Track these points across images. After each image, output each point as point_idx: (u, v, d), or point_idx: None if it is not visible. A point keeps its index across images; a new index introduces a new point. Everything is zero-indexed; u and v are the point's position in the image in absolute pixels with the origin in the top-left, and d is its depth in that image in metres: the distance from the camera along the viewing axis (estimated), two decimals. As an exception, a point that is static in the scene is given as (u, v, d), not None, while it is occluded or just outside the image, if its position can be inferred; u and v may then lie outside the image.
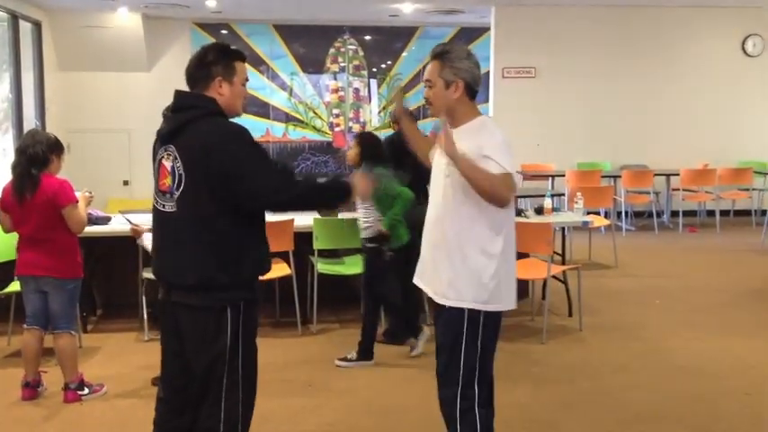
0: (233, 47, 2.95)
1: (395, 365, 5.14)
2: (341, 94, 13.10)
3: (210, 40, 11.46)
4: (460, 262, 2.83)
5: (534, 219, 6.44)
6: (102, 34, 11.26)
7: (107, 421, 4.25)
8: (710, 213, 11.01)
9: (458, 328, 2.85)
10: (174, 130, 2.78)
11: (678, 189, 10.67)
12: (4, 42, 9.96)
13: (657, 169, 10.74)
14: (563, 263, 6.60)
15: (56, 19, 11.03)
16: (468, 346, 2.84)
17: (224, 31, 12.50)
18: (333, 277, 5.90)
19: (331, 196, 3.06)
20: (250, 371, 2.86)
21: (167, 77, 10.62)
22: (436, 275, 2.92)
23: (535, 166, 11.02)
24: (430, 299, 3.03)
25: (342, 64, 13.06)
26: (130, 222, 4.69)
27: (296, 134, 12.89)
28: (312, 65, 12.97)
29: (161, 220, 2.83)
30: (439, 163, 2.96)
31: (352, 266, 5.90)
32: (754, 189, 10.95)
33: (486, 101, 11.49)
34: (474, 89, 2.91)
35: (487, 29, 11.86)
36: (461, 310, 2.83)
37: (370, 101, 13.24)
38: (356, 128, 13.12)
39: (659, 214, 10.95)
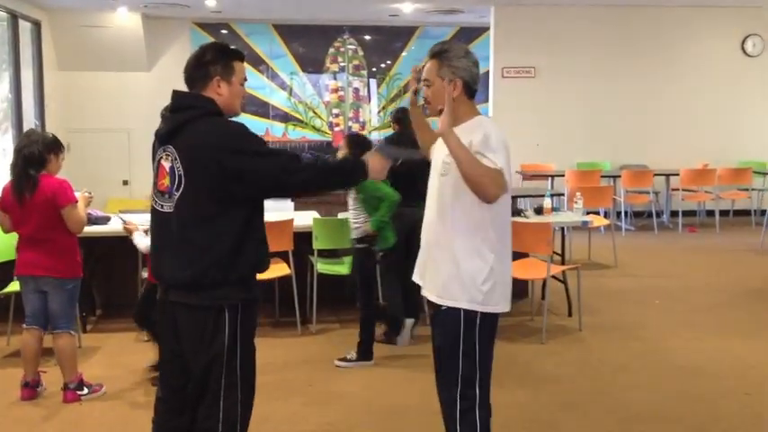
0: (232, 46, 2.94)
1: (395, 365, 5.14)
2: (340, 93, 13.10)
3: (210, 39, 11.45)
4: (455, 262, 2.82)
5: (534, 219, 6.44)
6: (101, 34, 11.26)
7: (106, 421, 4.25)
8: (710, 213, 11.01)
9: (454, 328, 2.84)
10: (172, 131, 2.77)
11: (678, 189, 10.67)
12: (3, 42, 9.96)
13: (657, 169, 10.74)
14: (563, 263, 6.60)
15: (55, 18, 11.03)
16: (465, 346, 2.83)
17: (224, 31, 12.51)
18: (332, 277, 5.89)
19: (345, 175, 3.03)
20: (248, 371, 2.85)
21: (167, 77, 10.61)
22: (432, 276, 2.92)
23: (535, 166, 11.03)
24: (427, 299, 3.02)
25: (341, 64, 13.06)
26: (123, 221, 4.69)
27: (295, 134, 12.90)
28: (312, 64, 12.98)
29: (159, 221, 2.83)
30: (436, 161, 2.95)
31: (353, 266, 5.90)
32: (753, 189, 10.95)
33: (486, 101, 11.49)
34: (473, 88, 2.90)
35: (487, 29, 11.86)
36: (457, 310, 2.82)
37: (369, 101, 13.24)
38: (356, 127, 13.12)
39: (659, 214, 10.96)
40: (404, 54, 13.12)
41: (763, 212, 9.96)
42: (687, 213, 10.96)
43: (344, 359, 5.12)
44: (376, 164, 2.92)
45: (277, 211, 6.14)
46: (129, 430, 4.12)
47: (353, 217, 5.14)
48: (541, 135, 11.37)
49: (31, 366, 4.52)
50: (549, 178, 10.25)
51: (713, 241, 9.79)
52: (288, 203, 8.02)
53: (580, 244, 8.36)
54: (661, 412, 4.33)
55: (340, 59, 13.05)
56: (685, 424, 4.17)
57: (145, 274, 5.30)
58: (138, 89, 11.63)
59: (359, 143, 5.17)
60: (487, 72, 11.35)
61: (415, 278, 3.05)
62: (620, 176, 10.32)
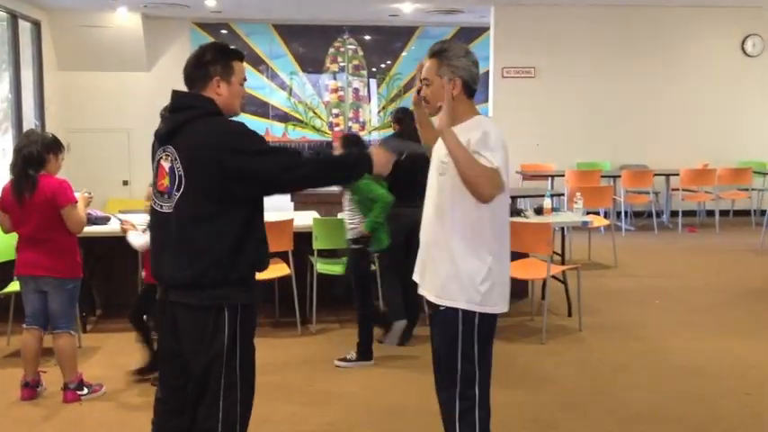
0: (231, 46, 2.94)
1: (394, 366, 5.14)
2: (340, 93, 13.10)
3: (210, 39, 11.46)
4: (454, 262, 2.81)
5: (534, 219, 6.44)
6: (101, 34, 11.26)
7: (106, 421, 4.25)
8: (710, 213, 11.01)
9: (453, 329, 2.83)
10: (171, 131, 2.77)
11: (678, 189, 10.67)
12: (3, 42, 9.96)
13: (657, 169, 10.74)
14: (562, 263, 6.60)
15: (55, 18, 11.03)
16: (464, 347, 2.82)
17: (223, 31, 12.50)
18: (332, 277, 5.89)
19: (347, 169, 2.99)
20: (248, 371, 2.85)
21: (167, 77, 10.61)
22: (431, 275, 2.91)
23: (535, 166, 11.03)
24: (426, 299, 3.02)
25: (341, 64, 13.06)
26: (120, 220, 4.70)
27: (295, 134, 12.89)
28: (311, 64, 12.97)
29: (159, 221, 2.82)
30: (435, 161, 2.95)
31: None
32: (753, 189, 10.95)
33: (486, 101, 11.49)
34: (472, 88, 2.88)
35: (487, 29, 11.86)
36: (456, 310, 2.82)
37: (369, 101, 13.24)
38: (356, 128, 13.12)
39: (659, 214, 10.96)
40: (404, 54, 13.12)
41: (763, 212, 9.97)
42: (687, 213, 10.96)
43: (344, 359, 5.13)
44: (380, 157, 2.90)
45: (277, 210, 6.15)
46: (128, 430, 4.12)
47: (349, 218, 5.15)
48: (541, 135, 11.37)
49: (31, 366, 4.52)
50: (549, 178, 10.25)
51: (713, 241, 9.79)
52: (288, 203, 8.03)
53: (580, 244, 8.36)
54: (661, 412, 4.33)
55: (340, 59, 13.05)
56: (685, 424, 4.17)
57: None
58: (137, 89, 11.63)
59: (354, 143, 5.17)
60: (487, 72, 11.34)
61: (415, 277, 3.05)
62: (620, 176, 10.32)
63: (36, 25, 10.75)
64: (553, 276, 5.91)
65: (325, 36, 12.93)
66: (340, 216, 5.92)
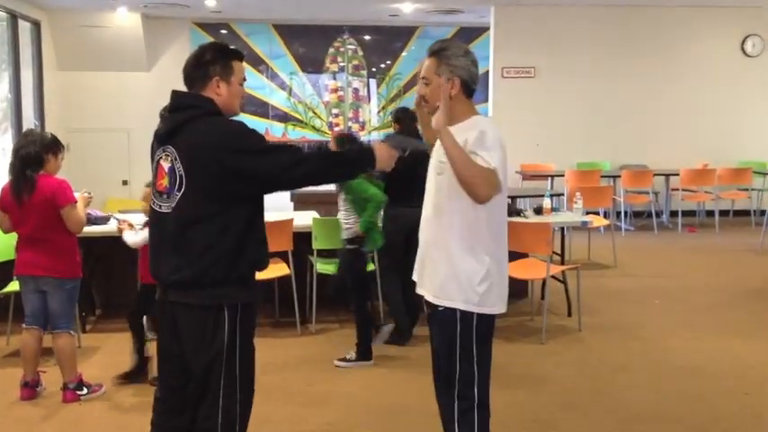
0: (231, 46, 2.94)
1: (394, 365, 5.14)
2: (340, 93, 13.11)
3: (210, 39, 11.46)
4: (451, 263, 2.80)
5: (533, 219, 6.44)
6: (101, 34, 11.27)
7: (105, 421, 4.25)
8: (710, 213, 11.01)
9: (451, 329, 2.82)
10: (171, 131, 2.77)
11: (677, 189, 10.67)
12: (3, 42, 9.96)
13: (657, 169, 10.75)
14: (562, 263, 6.60)
15: (55, 18, 11.03)
16: (462, 347, 2.81)
17: (223, 31, 12.51)
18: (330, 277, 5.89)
19: (349, 165, 2.96)
20: (248, 371, 2.85)
21: (167, 77, 10.62)
22: (429, 275, 2.90)
23: (534, 166, 11.03)
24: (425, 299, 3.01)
25: (341, 64, 13.06)
26: (117, 220, 4.71)
27: (295, 134, 12.90)
28: (311, 64, 12.98)
29: (158, 221, 2.82)
30: (433, 160, 2.94)
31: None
32: (753, 189, 10.95)
33: (486, 101, 11.48)
34: (471, 87, 2.87)
35: (487, 29, 11.86)
36: (454, 311, 2.81)
37: (369, 101, 13.24)
38: (355, 127, 13.12)
39: (658, 214, 10.96)
40: (404, 54, 13.12)
41: (762, 212, 9.97)
42: (687, 213, 10.97)
43: (344, 359, 5.12)
44: (383, 153, 2.89)
45: (277, 210, 6.14)
46: (127, 430, 4.11)
47: (344, 218, 5.14)
48: (541, 135, 11.37)
49: (30, 366, 4.51)
50: (549, 178, 10.25)
51: (713, 241, 9.79)
52: (287, 203, 8.03)
53: (580, 244, 8.36)
54: (661, 412, 4.33)
55: (340, 59, 13.05)
56: (685, 424, 4.17)
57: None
58: (137, 89, 11.63)
59: (348, 142, 5.17)
60: (487, 72, 11.34)
61: (414, 277, 3.05)
62: (619, 176, 10.32)
63: (36, 25, 10.75)
64: (553, 276, 5.90)
65: (325, 36, 12.93)
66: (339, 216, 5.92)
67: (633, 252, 8.91)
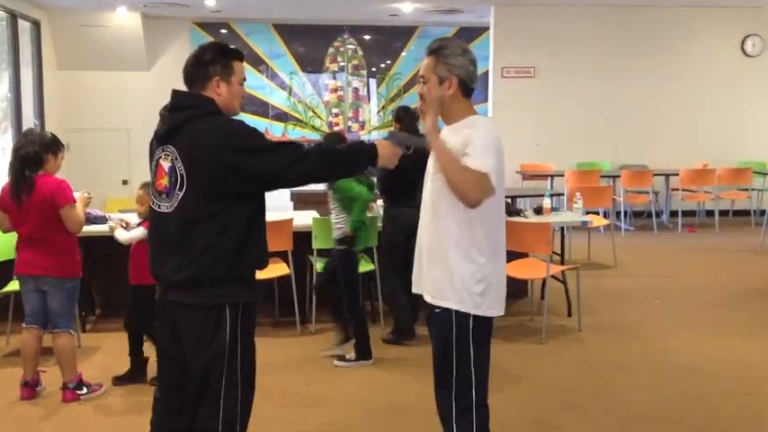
0: (231, 46, 2.93)
1: (394, 365, 5.14)
2: (340, 93, 13.10)
3: (210, 39, 11.44)
4: (447, 264, 2.79)
5: (533, 219, 6.44)
6: (101, 33, 11.26)
7: (105, 421, 4.25)
8: (710, 213, 11.01)
9: (447, 329, 2.81)
10: (171, 130, 2.77)
11: (677, 189, 10.67)
12: (2, 41, 9.96)
13: (657, 169, 10.75)
14: (562, 263, 6.60)
15: (55, 18, 11.03)
16: (459, 348, 2.80)
17: (223, 31, 12.51)
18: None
19: (350, 163, 2.92)
20: (249, 371, 2.85)
21: (167, 77, 10.62)
22: (427, 276, 2.90)
23: (534, 166, 11.03)
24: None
25: (341, 63, 13.06)
26: (109, 219, 4.75)
27: (295, 133, 12.89)
28: (311, 64, 12.98)
29: (158, 221, 2.82)
30: (431, 160, 2.94)
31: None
32: (753, 189, 10.95)
33: (486, 100, 11.48)
34: (469, 86, 2.85)
35: (487, 28, 11.86)
36: (450, 312, 2.80)
37: (369, 100, 13.24)
38: (355, 127, 13.12)
39: (658, 214, 10.95)
40: (403, 54, 13.12)
41: (762, 212, 9.97)
42: (687, 213, 10.97)
43: (344, 359, 5.12)
44: (386, 150, 2.87)
45: (277, 210, 6.14)
46: (127, 430, 4.11)
47: (334, 217, 5.12)
48: (541, 135, 11.38)
49: (30, 366, 4.51)
50: (549, 178, 10.25)
51: (713, 241, 9.79)
52: (287, 203, 8.03)
53: (580, 244, 8.36)
54: (661, 412, 4.33)
55: (339, 59, 13.05)
56: (685, 424, 4.17)
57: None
58: (137, 89, 11.63)
59: (337, 142, 5.16)
60: (487, 72, 11.34)
61: (413, 276, 3.04)
62: (619, 176, 10.32)
63: (36, 25, 10.75)
64: (553, 276, 5.90)
65: (325, 36, 12.93)
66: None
67: (633, 252, 8.91)
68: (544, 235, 5.60)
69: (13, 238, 4.57)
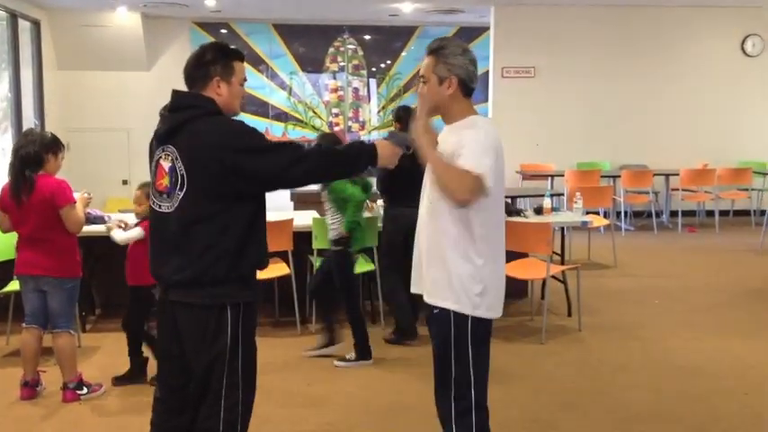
0: (232, 46, 2.93)
1: (394, 365, 5.14)
2: (340, 93, 13.10)
3: (210, 39, 11.46)
4: (445, 265, 2.79)
5: (533, 219, 6.44)
6: (101, 33, 11.26)
7: (105, 421, 4.25)
8: (710, 213, 11.02)
9: (446, 330, 2.81)
10: (171, 130, 2.76)
11: (677, 189, 10.67)
12: (2, 41, 9.96)
13: (657, 169, 10.75)
14: (562, 263, 6.60)
15: (55, 18, 11.03)
16: (457, 349, 2.80)
17: (223, 31, 12.50)
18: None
19: (350, 163, 2.91)
20: (250, 371, 2.85)
21: (167, 77, 10.62)
22: (426, 276, 2.90)
23: (534, 166, 11.03)
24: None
25: (341, 63, 13.06)
26: (105, 220, 4.75)
27: (295, 133, 12.89)
28: (311, 64, 12.97)
29: (158, 221, 2.82)
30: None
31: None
32: (753, 189, 10.95)
33: (486, 100, 11.48)
34: (469, 86, 2.85)
35: (487, 28, 11.86)
36: (448, 313, 2.79)
37: (369, 100, 13.24)
38: (355, 127, 13.12)
39: (658, 214, 10.96)
40: (403, 54, 13.12)
41: (762, 212, 9.97)
42: (687, 213, 10.97)
43: (344, 359, 5.12)
44: (386, 150, 2.87)
45: (277, 210, 6.14)
46: (127, 430, 4.11)
47: (330, 218, 5.11)
48: (541, 135, 11.38)
49: (30, 366, 4.51)
50: (549, 178, 10.25)
51: (713, 241, 9.79)
52: (287, 203, 8.03)
53: (580, 244, 8.36)
54: (661, 412, 4.33)
55: (340, 59, 13.05)
56: (685, 424, 4.17)
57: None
58: (137, 89, 11.64)
59: (331, 142, 5.16)
60: (487, 72, 11.34)
61: (412, 276, 3.04)
62: (619, 176, 10.32)
63: (36, 24, 10.75)
64: (553, 276, 5.90)
65: (325, 36, 12.93)
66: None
67: (633, 252, 8.91)
68: (544, 235, 5.60)
69: (13, 238, 4.57)
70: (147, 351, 4.73)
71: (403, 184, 5.12)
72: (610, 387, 4.72)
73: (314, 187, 5.12)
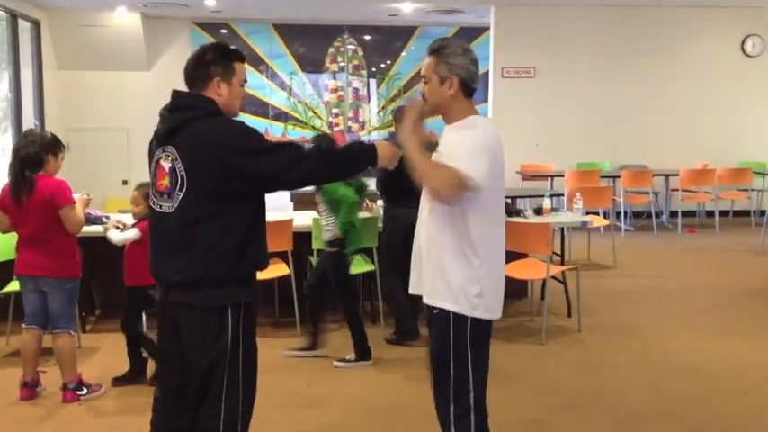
0: (232, 47, 2.93)
1: (393, 366, 5.14)
2: (340, 93, 13.10)
3: (210, 39, 11.47)
4: (443, 265, 2.79)
5: (533, 219, 6.44)
6: (101, 33, 11.26)
7: (105, 421, 4.25)
8: (710, 214, 11.01)
9: (444, 331, 2.81)
10: (171, 131, 2.76)
11: (677, 189, 10.67)
12: (2, 41, 9.96)
13: (657, 169, 10.74)
14: (562, 263, 6.60)
15: (55, 18, 11.03)
16: (456, 350, 2.79)
17: (223, 31, 12.50)
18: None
19: (349, 164, 2.91)
20: (250, 372, 2.85)
21: (166, 77, 10.62)
22: (424, 277, 2.90)
23: (534, 167, 11.03)
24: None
25: (341, 63, 13.06)
26: (103, 221, 4.74)
27: (295, 134, 12.88)
28: (311, 64, 12.97)
29: (159, 221, 2.82)
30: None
31: (351, 267, 5.88)
32: (753, 189, 10.95)
33: (486, 101, 11.48)
34: (470, 87, 2.85)
35: (487, 29, 11.86)
36: (447, 313, 2.80)
37: (369, 100, 13.24)
38: (355, 127, 13.12)
39: (658, 215, 10.95)
40: (403, 54, 13.11)
41: (762, 213, 9.97)
42: (687, 214, 10.96)
43: (343, 360, 5.12)
44: (386, 151, 2.87)
45: (277, 210, 6.13)
46: (127, 431, 4.11)
47: (324, 219, 5.10)
48: (541, 135, 11.38)
49: (30, 366, 4.51)
50: (549, 178, 10.25)
51: (713, 242, 9.79)
52: (287, 203, 8.02)
53: (579, 244, 8.36)
54: (660, 413, 4.33)
55: (339, 59, 13.04)
56: (685, 424, 4.17)
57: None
58: (137, 89, 11.63)
59: (324, 140, 5.16)
60: (487, 72, 11.34)
61: (411, 277, 3.04)
62: (619, 177, 10.32)
63: (35, 25, 10.75)
64: (553, 277, 5.90)
65: (325, 36, 12.92)
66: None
67: (633, 252, 8.91)
68: (544, 235, 5.60)
69: (13, 238, 4.57)
70: (146, 353, 4.74)
71: (402, 184, 5.08)
72: (610, 387, 4.72)
73: (311, 188, 5.13)
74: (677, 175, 10.54)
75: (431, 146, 2.92)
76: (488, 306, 2.81)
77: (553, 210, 6.88)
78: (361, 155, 2.88)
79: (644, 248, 9.37)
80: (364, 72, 13.13)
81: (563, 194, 9.39)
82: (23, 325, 4.50)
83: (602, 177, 10.38)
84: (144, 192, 4.60)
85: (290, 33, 12.78)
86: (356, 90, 13.15)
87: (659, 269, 8.17)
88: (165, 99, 2.87)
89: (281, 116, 12.90)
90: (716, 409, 4.38)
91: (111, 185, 11.11)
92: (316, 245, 5.81)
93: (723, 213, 11.00)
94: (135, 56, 11.63)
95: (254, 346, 2.88)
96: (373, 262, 5.89)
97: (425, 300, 2.89)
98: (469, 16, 12.07)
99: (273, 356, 5.13)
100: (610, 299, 6.83)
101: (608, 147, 11.49)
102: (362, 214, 6.06)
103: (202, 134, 2.71)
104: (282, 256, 5.77)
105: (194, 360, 2.79)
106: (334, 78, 13.07)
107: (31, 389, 4.52)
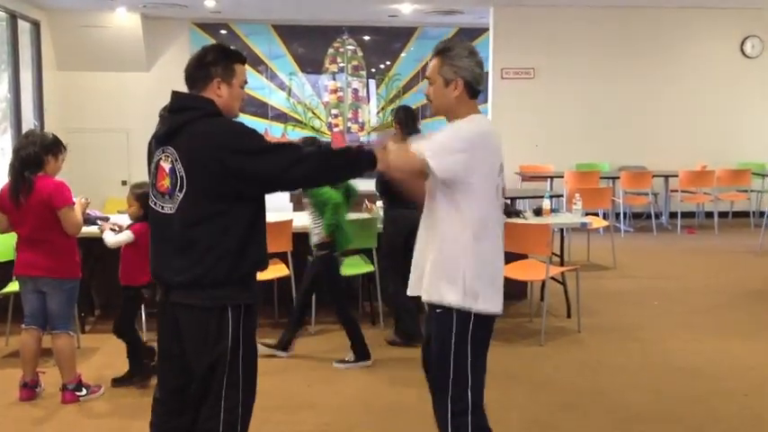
0: (233, 48, 2.94)
1: (393, 366, 5.14)
2: (339, 94, 13.10)
3: (209, 40, 11.50)
4: (443, 264, 2.80)
5: (533, 220, 6.44)
6: (100, 34, 11.27)
7: (105, 422, 4.25)
8: (709, 215, 11.02)
9: (445, 330, 2.81)
10: (171, 131, 2.77)
11: (677, 190, 10.68)
12: (2, 42, 9.96)
13: (656, 170, 10.74)
14: (561, 264, 6.60)
15: (54, 18, 11.03)
16: (455, 349, 2.80)
17: (223, 31, 12.51)
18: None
19: (349, 165, 2.89)
20: (250, 373, 2.85)
21: (166, 77, 10.62)
22: (425, 276, 2.90)
23: (534, 167, 11.03)
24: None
25: (340, 64, 13.06)
26: (98, 223, 4.76)
27: (294, 134, 12.88)
28: (311, 65, 12.98)
29: (159, 222, 2.82)
30: None
31: (351, 267, 5.89)
32: (752, 191, 10.96)
33: (485, 101, 11.48)
34: (475, 88, 2.86)
35: (486, 29, 11.86)
36: (447, 312, 2.80)
37: (368, 101, 13.24)
38: (354, 128, 13.12)
39: (658, 215, 10.96)
40: (403, 55, 13.12)
41: (761, 214, 9.97)
42: (686, 215, 10.97)
43: (343, 361, 5.12)
44: (386, 153, 2.86)
45: (276, 211, 6.13)
46: (127, 431, 4.11)
47: (312, 222, 5.09)
48: (540, 136, 11.38)
49: (29, 367, 4.51)
50: (548, 179, 10.26)
51: (712, 243, 9.79)
52: (287, 204, 8.01)
53: (579, 245, 8.36)
54: (660, 413, 4.33)
55: (339, 60, 13.05)
56: (684, 425, 4.18)
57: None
58: (137, 89, 11.64)
59: (311, 145, 5.14)
60: (487, 73, 11.32)
61: (411, 278, 3.04)
62: (618, 178, 10.32)
63: (35, 25, 10.75)
64: (552, 278, 5.90)
65: (325, 36, 12.93)
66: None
67: (632, 253, 8.91)
68: (543, 236, 5.61)
69: (12, 238, 4.57)
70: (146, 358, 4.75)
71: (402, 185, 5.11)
72: (609, 388, 4.73)
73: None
74: (677, 176, 10.54)
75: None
76: (487, 301, 2.81)
77: (552, 211, 6.88)
78: (360, 157, 2.87)
79: (643, 249, 9.37)
80: (364, 73, 13.13)
81: (562, 195, 9.40)
82: (23, 326, 4.50)
83: (601, 178, 10.38)
84: (135, 193, 4.62)
85: (290, 34, 12.79)
86: (355, 91, 13.16)
87: (659, 270, 8.17)
88: (165, 100, 2.88)
89: (281, 117, 12.91)
90: (715, 409, 4.38)
91: (111, 186, 11.10)
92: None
93: (722, 214, 11.01)
94: (135, 56, 11.64)
95: (254, 347, 2.88)
96: (373, 263, 5.89)
97: (425, 298, 2.89)
98: (469, 17, 12.07)
99: (273, 357, 5.12)
100: (609, 300, 6.83)
101: (607, 148, 11.49)
102: (363, 215, 6.08)
103: (202, 135, 2.71)
104: (282, 256, 5.77)
105: (194, 361, 2.79)
106: (334, 79, 13.07)
107: (30, 389, 4.52)
